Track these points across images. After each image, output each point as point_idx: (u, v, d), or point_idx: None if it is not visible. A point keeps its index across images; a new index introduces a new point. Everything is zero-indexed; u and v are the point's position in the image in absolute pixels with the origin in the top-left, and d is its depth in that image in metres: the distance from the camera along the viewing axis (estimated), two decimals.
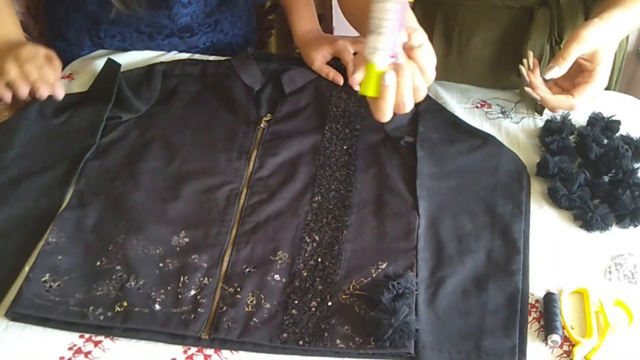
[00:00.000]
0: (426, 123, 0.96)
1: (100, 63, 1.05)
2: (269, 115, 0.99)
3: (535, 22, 1.00)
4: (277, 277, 0.78)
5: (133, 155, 0.92)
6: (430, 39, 1.05)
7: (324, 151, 0.93)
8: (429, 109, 0.99)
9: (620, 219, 0.85)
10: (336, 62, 1.06)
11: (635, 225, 0.85)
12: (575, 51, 0.86)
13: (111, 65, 1.01)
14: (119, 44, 1.13)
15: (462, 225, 0.83)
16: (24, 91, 0.92)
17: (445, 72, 1.10)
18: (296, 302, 0.75)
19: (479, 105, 1.04)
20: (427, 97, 1.01)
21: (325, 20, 1.64)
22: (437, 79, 1.09)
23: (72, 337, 0.73)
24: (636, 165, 0.90)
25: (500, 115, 1.02)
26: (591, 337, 0.72)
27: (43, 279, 0.76)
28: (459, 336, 0.72)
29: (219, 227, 0.83)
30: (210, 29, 1.15)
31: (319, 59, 1.05)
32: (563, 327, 0.73)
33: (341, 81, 1.03)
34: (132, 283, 0.76)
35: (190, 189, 0.87)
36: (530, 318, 0.75)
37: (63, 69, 1.11)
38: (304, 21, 1.13)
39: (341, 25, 1.47)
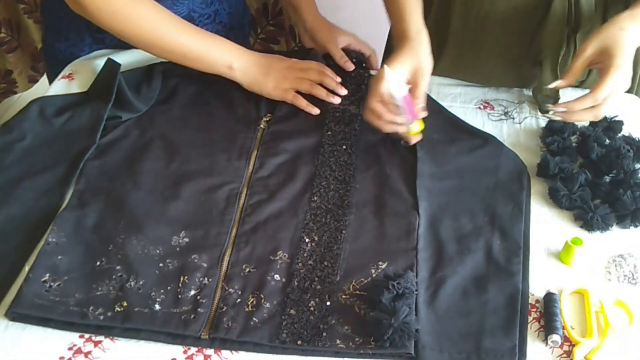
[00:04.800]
0: (426, 123, 0.96)
1: (100, 63, 1.05)
2: (268, 115, 0.99)
3: (552, 11, 0.98)
4: (277, 277, 0.77)
5: (133, 155, 0.92)
6: (448, 20, 1.05)
7: (323, 151, 0.93)
8: (429, 109, 0.99)
9: (620, 219, 0.85)
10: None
11: (636, 226, 0.85)
12: (577, 66, 0.88)
13: (111, 65, 1.01)
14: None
15: (462, 225, 0.83)
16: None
17: (458, 58, 1.09)
18: (294, 301, 0.75)
19: (481, 107, 1.04)
20: (428, 97, 1.01)
21: None
22: (448, 64, 1.10)
23: (72, 337, 0.73)
24: (637, 166, 0.90)
25: (503, 116, 1.02)
26: (591, 337, 0.72)
27: (43, 279, 0.76)
28: (459, 336, 0.72)
29: (219, 227, 0.82)
30: (209, 20, 1.16)
31: (335, 43, 1.09)
32: (563, 327, 0.73)
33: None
34: (132, 283, 0.76)
35: (190, 189, 0.87)
36: (530, 318, 0.75)
37: (63, 69, 1.11)
38: (312, 7, 1.15)
39: None
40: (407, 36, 0.91)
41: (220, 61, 0.98)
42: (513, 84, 1.08)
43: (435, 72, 1.12)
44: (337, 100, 1.00)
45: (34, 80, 1.96)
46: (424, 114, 0.88)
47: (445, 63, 1.10)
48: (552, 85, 0.92)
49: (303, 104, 0.99)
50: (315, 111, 0.99)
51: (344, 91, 1.01)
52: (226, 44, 0.99)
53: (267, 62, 1.00)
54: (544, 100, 1.01)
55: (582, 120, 0.93)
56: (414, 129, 0.89)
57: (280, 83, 0.99)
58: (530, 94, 1.06)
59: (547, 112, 1.00)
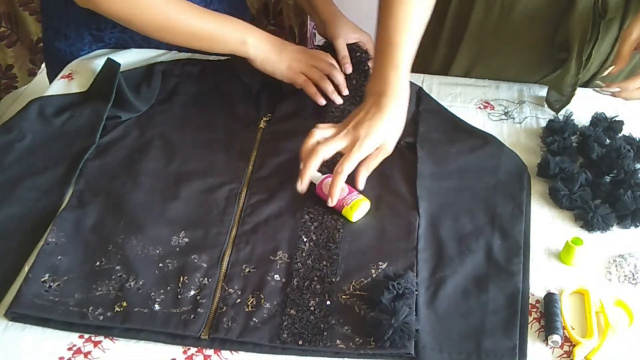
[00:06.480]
0: (426, 123, 0.96)
1: (99, 63, 1.05)
2: (268, 115, 0.99)
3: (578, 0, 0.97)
4: (277, 277, 0.77)
5: (133, 155, 0.92)
6: (469, 11, 1.05)
7: None
8: (429, 109, 0.99)
9: (621, 219, 0.84)
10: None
11: (636, 226, 0.84)
12: (626, 50, 0.91)
13: (111, 65, 1.01)
14: (119, 35, 1.12)
15: (462, 226, 0.83)
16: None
17: (476, 53, 1.09)
18: (294, 301, 0.75)
19: (481, 107, 1.04)
20: (428, 97, 1.02)
21: (305, 25, 1.66)
22: (463, 63, 1.09)
23: (72, 337, 0.73)
24: (638, 166, 0.90)
25: (503, 116, 1.02)
26: (592, 337, 0.72)
27: (42, 279, 0.76)
28: (459, 336, 0.72)
29: (218, 227, 0.82)
30: None
31: (343, 39, 1.07)
32: (563, 328, 0.73)
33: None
34: (132, 283, 0.76)
35: (190, 189, 0.87)
36: (530, 318, 0.74)
37: (63, 68, 1.11)
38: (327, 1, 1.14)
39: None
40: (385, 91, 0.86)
41: (233, 37, 0.96)
42: (530, 77, 1.08)
43: (449, 73, 1.12)
44: (339, 100, 0.99)
45: (33, 74, 1.96)
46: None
47: (461, 62, 1.10)
48: (606, 73, 0.97)
49: (312, 90, 0.98)
50: (322, 101, 0.98)
51: (346, 91, 1.00)
52: (237, 21, 0.98)
53: (280, 42, 0.99)
54: (555, 98, 1.01)
55: (634, 98, 0.97)
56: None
57: (293, 64, 0.98)
58: (531, 93, 1.06)
59: (559, 110, 1.00)
